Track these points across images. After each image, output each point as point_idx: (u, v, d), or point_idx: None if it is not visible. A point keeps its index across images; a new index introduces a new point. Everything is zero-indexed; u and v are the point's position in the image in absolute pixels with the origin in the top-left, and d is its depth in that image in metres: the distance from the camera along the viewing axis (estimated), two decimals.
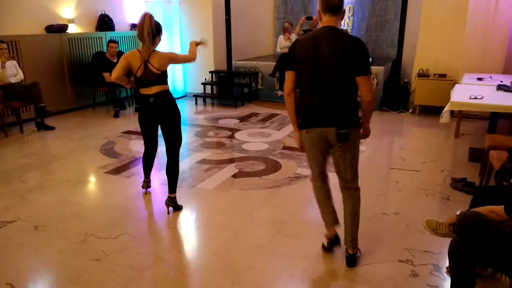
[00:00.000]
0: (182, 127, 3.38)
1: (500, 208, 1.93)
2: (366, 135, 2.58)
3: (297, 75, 2.40)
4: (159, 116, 3.23)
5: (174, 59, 3.37)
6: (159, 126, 3.34)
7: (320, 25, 2.38)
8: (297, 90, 2.45)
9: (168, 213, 3.30)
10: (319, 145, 2.44)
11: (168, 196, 3.31)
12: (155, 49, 3.16)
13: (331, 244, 2.72)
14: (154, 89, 3.15)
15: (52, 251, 2.77)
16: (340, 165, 2.49)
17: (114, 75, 3.14)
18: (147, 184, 3.66)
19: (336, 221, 2.69)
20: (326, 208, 2.69)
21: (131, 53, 3.15)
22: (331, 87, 2.30)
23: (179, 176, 3.41)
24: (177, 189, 3.38)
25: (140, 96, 3.21)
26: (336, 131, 2.33)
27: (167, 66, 3.19)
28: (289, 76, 2.43)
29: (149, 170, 3.64)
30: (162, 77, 3.17)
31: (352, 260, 2.56)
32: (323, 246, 2.74)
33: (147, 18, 3.08)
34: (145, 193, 3.67)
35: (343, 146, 2.39)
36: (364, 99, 2.36)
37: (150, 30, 3.05)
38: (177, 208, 3.35)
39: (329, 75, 2.29)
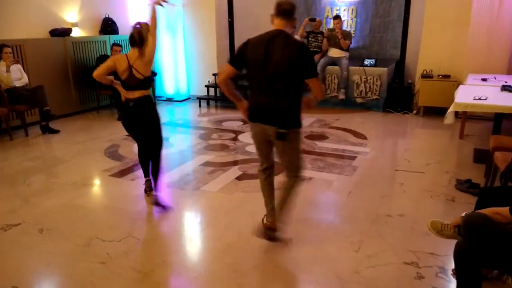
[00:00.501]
0: (185, 129, 3.41)
1: (505, 210, 1.92)
2: (310, 103, 2.73)
3: (247, 75, 2.60)
4: (138, 120, 3.38)
5: (152, 52, 3.31)
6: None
7: (272, 27, 2.57)
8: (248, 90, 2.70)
9: (164, 209, 3.41)
10: (262, 138, 2.68)
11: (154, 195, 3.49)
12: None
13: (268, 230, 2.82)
14: (136, 94, 3.30)
15: (57, 254, 2.78)
16: (282, 159, 2.72)
17: (96, 72, 3.30)
18: (148, 184, 3.59)
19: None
20: (267, 200, 2.85)
21: (119, 56, 3.31)
22: (278, 89, 2.49)
23: (183, 178, 3.42)
24: (181, 192, 3.40)
25: (124, 100, 3.38)
26: (276, 130, 2.51)
27: (150, 70, 3.36)
28: (228, 69, 2.64)
29: (147, 167, 3.58)
30: (145, 82, 3.31)
31: (268, 233, 2.76)
32: (262, 221, 2.87)
33: (145, 26, 3.28)
34: (147, 195, 3.60)
35: (283, 144, 2.58)
36: (318, 98, 2.66)
37: (139, 36, 3.22)
38: (151, 189, 3.54)
39: (277, 77, 2.47)
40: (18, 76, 5.63)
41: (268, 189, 2.84)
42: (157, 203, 3.42)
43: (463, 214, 2.06)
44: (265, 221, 2.84)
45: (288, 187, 2.75)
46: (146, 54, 3.26)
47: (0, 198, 3.71)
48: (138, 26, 3.26)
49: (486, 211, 1.99)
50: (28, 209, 3.46)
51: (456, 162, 4.50)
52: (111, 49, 6.66)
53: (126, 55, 3.27)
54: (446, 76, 6.36)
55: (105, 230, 3.08)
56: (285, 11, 2.54)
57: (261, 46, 2.49)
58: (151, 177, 3.52)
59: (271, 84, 2.49)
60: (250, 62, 2.55)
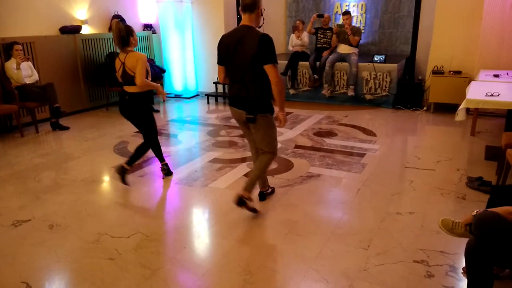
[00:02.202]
0: (194, 125, 3.53)
1: None
2: (279, 121, 3.04)
3: (225, 67, 2.98)
4: (128, 112, 3.68)
5: (140, 63, 3.46)
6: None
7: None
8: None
9: (163, 177, 3.97)
10: (238, 119, 3.12)
11: (162, 165, 4.00)
12: (133, 50, 3.55)
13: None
14: (131, 89, 3.55)
15: (66, 250, 2.80)
16: (255, 138, 3.13)
17: (142, 79, 3.54)
18: (165, 167, 4.00)
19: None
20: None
21: (116, 61, 3.60)
22: (247, 80, 2.85)
23: (191, 175, 3.44)
24: (189, 188, 3.41)
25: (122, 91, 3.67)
26: (246, 114, 2.92)
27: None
28: (220, 69, 3.05)
29: (159, 154, 3.96)
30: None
31: (240, 200, 3.05)
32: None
33: (114, 25, 3.46)
34: (164, 178, 3.97)
35: (254, 126, 2.98)
36: (271, 83, 2.83)
37: (118, 34, 3.43)
38: (170, 173, 4.03)
39: (245, 70, 2.83)
40: (28, 73, 5.69)
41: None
42: (167, 171, 4.00)
43: (474, 212, 2.03)
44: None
45: (259, 161, 3.15)
46: (138, 60, 3.47)
47: (11, 194, 3.75)
48: (112, 29, 3.52)
49: (498, 210, 1.96)
50: (38, 205, 3.49)
51: (467, 159, 4.44)
52: None
53: (118, 57, 3.56)
54: (458, 72, 6.27)
55: (114, 226, 3.09)
56: (246, 6, 2.82)
57: (229, 43, 2.87)
58: (153, 151, 3.93)
59: (240, 76, 2.87)
60: (223, 57, 2.95)
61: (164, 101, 7.02)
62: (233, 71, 2.92)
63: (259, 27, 2.96)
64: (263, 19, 2.98)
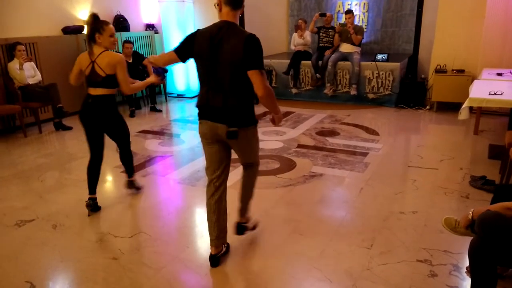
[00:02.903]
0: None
1: None
2: (274, 122, 2.65)
3: (197, 69, 2.41)
4: (96, 120, 3.17)
5: (119, 68, 3.06)
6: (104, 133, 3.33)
7: (219, 18, 2.36)
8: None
9: (136, 190, 3.66)
10: (211, 138, 2.48)
11: (128, 181, 3.65)
12: (111, 50, 3.10)
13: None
14: (96, 91, 3.09)
15: (70, 249, 2.81)
16: (238, 155, 2.64)
17: (71, 80, 3.25)
18: (92, 203, 3.31)
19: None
20: (212, 225, 2.63)
21: (81, 55, 3.15)
22: (228, 86, 2.30)
23: (194, 174, 3.42)
24: (192, 188, 3.38)
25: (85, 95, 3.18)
26: (226, 129, 2.35)
27: (114, 71, 3.05)
28: (170, 56, 2.54)
29: (94, 183, 3.35)
30: (107, 81, 3.06)
31: (240, 228, 2.80)
32: None
33: (87, 18, 3.06)
34: (88, 215, 3.29)
35: (236, 143, 2.45)
36: (258, 94, 2.30)
37: (88, 29, 3.03)
38: (138, 190, 3.69)
39: (226, 74, 2.28)
40: (31, 74, 5.70)
41: (215, 210, 2.58)
42: (131, 186, 3.66)
43: (470, 213, 2.03)
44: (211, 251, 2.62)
45: (246, 179, 2.74)
46: (118, 64, 3.05)
47: (15, 194, 3.76)
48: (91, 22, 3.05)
49: (495, 206, 1.96)
50: (41, 205, 3.50)
51: (471, 158, 4.43)
52: (123, 46, 6.69)
53: (87, 52, 3.09)
54: (461, 71, 6.25)
55: (117, 226, 3.10)
56: (235, 1, 2.31)
57: (207, 40, 2.29)
58: (123, 164, 3.61)
59: (218, 81, 2.32)
60: (196, 56, 2.37)
61: (161, 84, 6.72)
62: (209, 75, 2.33)
63: None
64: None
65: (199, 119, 2.48)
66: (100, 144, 3.32)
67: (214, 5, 2.36)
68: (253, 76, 2.26)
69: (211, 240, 2.60)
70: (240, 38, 2.24)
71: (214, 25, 2.33)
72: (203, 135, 2.51)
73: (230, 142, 2.45)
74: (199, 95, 2.44)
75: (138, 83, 3.29)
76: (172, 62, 2.59)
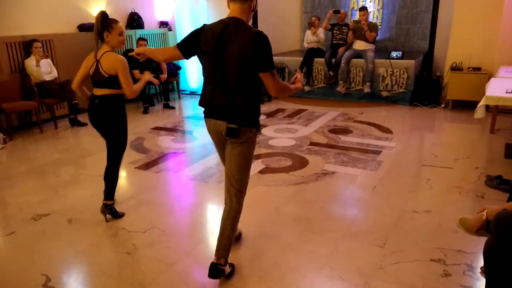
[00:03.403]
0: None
1: None
2: (298, 80, 2.48)
3: (202, 66, 2.33)
4: (100, 119, 3.07)
5: (121, 70, 2.94)
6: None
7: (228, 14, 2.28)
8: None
9: (107, 221, 3.14)
10: (215, 136, 2.42)
11: (104, 203, 3.13)
12: (113, 50, 3.03)
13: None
14: (102, 91, 2.99)
15: (84, 243, 2.86)
16: (228, 163, 2.37)
17: (73, 85, 3.14)
18: (108, 209, 3.14)
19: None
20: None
21: (87, 57, 3.06)
22: (234, 85, 2.21)
23: (207, 171, 3.40)
24: (204, 184, 3.37)
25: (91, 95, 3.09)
26: (227, 125, 2.26)
27: (115, 73, 2.95)
28: (172, 52, 2.40)
29: (112, 186, 3.18)
30: (111, 81, 2.97)
31: (215, 271, 2.35)
32: None
33: (96, 16, 2.96)
34: (107, 221, 3.16)
35: (233, 143, 2.30)
36: (271, 95, 2.38)
37: (95, 28, 2.94)
38: (116, 215, 3.18)
39: (232, 72, 2.20)
40: (47, 70, 5.79)
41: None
42: (112, 212, 3.17)
43: (484, 213, 1.98)
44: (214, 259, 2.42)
45: (228, 214, 2.44)
46: (119, 65, 2.94)
47: (31, 189, 3.83)
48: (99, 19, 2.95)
49: (507, 206, 1.92)
50: (57, 200, 3.56)
51: (486, 157, 4.36)
52: (137, 43, 6.74)
53: (94, 52, 3.00)
54: (477, 69, 6.15)
55: (131, 221, 3.14)
56: None
57: (213, 37, 2.21)
58: (104, 181, 3.18)
59: (224, 79, 2.23)
60: (201, 53, 2.29)
61: (157, 84, 6.63)
62: (214, 73, 2.25)
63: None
64: (252, 14, 2.37)
65: (205, 117, 2.41)
66: (125, 137, 3.22)
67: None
68: (265, 78, 2.21)
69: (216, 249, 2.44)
70: (248, 36, 2.14)
71: (221, 21, 2.25)
72: (209, 132, 2.47)
73: (227, 143, 2.35)
74: (203, 93, 2.36)
75: (137, 84, 3.12)
76: (175, 58, 2.47)
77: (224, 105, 2.25)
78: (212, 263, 2.37)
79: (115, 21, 2.98)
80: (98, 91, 3.01)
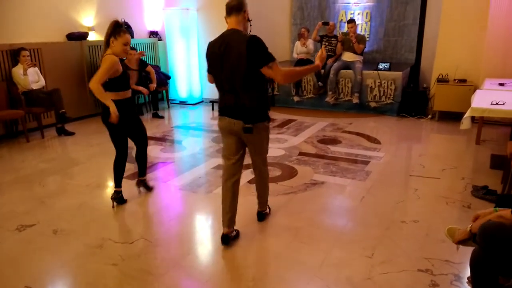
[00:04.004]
0: (198, 132, 3.43)
1: (507, 212, 1.88)
2: (322, 53, 2.87)
3: (213, 76, 2.74)
4: (103, 120, 3.32)
5: (102, 63, 3.14)
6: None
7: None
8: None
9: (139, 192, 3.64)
10: (227, 131, 2.78)
11: (139, 179, 3.72)
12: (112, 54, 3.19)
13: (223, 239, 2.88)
14: (109, 95, 3.19)
15: (70, 255, 2.81)
16: (249, 149, 2.89)
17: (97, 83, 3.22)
18: (117, 196, 3.54)
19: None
20: (227, 207, 2.89)
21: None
22: (239, 88, 2.58)
23: (196, 181, 3.42)
24: (193, 194, 3.39)
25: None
26: (242, 126, 2.64)
27: (112, 76, 3.15)
28: (209, 78, 2.84)
29: (120, 177, 3.55)
30: (109, 85, 3.17)
31: (260, 215, 3.17)
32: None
33: (110, 23, 3.23)
34: (113, 207, 3.51)
35: (252, 137, 2.72)
36: (281, 81, 2.68)
37: (106, 33, 3.18)
38: (148, 188, 3.74)
39: (235, 77, 2.56)
40: (35, 79, 5.74)
41: (231, 192, 2.86)
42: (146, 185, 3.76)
43: (469, 227, 2.00)
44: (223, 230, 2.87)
45: (263, 177, 3.06)
46: (102, 65, 3.14)
47: (16, 199, 3.77)
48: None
49: (490, 217, 1.95)
50: (43, 210, 3.50)
51: (473, 168, 4.42)
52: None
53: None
54: (463, 81, 6.26)
55: (118, 232, 3.10)
56: (233, 8, 2.59)
57: (217, 49, 2.59)
58: (137, 162, 3.72)
59: (231, 84, 2.60)
60: (210, 65, 2.72)
61: (147, 93, 6.67)
62: (222, 80, 2.64)
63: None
64: (250, 26, 2.73)
65: (219, 115, 2.78)
66: (122, 143, 3.46)
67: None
68: (266, 71, 2.53)
69: (223, 220, 2.85)
70: (242, 41, 2.49)
71: (222, 35, 2.62)
72: (221, 128, 2.82)
73: (244, 136, 2.71)
74: (219, 98, 2.79)
75: (102, 93, 3.13)
76: (213, 82, 2.82)
77: (235, 107, 2.63)
78: (258, 211, 3.17)
79: (124, 31, 3.20)
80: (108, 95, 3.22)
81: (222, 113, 2.75)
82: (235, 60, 2.51)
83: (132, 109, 3.48)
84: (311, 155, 4.83)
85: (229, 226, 2.85)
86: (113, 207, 3.48)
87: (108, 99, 3.15)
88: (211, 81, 2.85)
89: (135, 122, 3.51)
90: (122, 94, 3.25)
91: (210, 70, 2.77)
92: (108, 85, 3.16)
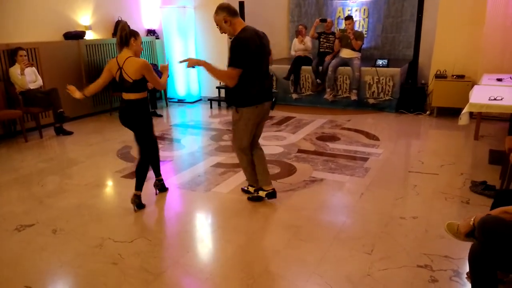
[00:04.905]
0: (197, 130, 3.44)
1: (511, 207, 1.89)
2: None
3: (252, 66, 3.05)
4: (127, 120, 3.36)
5: (146, 71, 3.23)
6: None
7: (236, 27, 3.10)
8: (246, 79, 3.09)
9: (135, 210, 3.43)
10: (260, 117, 3.25)
11: (134, 194, 3.45)
12: (133, 56, 3.25)
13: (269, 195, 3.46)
14: (128, 96, 3.28)
15: (69, 254, 2.81)
16: (260, 130, 3.41)
17: (89, 90, 3.46)
18: (158, 183, 3.77)
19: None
20: (252, 172, 3.47)
21: (110, 63, 3.30)
22: (267, 71, 3.26)
23: (194, 179, 3.42)
24: (192, 193, 3.40)
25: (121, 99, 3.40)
26: (271, 102, 3.27)
27: (140, 76, 3.21)
28: (238, 73, 3.05)
29: (142, 180, 3.47)
30: (136, 86, 3.24)
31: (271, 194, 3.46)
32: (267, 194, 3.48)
33: (119, 26, 3.30)
34: (157, 194, 3.74)
35: (267, 114, 3.36)
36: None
37: (120, 33, 3.23)
38: (141, 206, 3.47)
39: (266, 62, 3.22)
40: (32, 79, 5.72)
41: (262, 155, 3.44)
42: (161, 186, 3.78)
43: (472, 220, 2.01)
44: (266, 188, 3.45)
45: (262, 158, 3.43)
46: (142, 66, 3.21)
47: (15, 199, 3.76)
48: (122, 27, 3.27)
49: (495, 211, 1.95)
50: (42, 210, 3.50)
51: (471, 163, 4.43)
52: None
53: (116, 58, 3.26)
54: (461, 76, 6.26)
55: (117, 231, 3.10)
56: (236, 11, 3.17)
57: (258, 41, 3.07)
58: (135, 174, 3.55)
59: (266, 69, 3.23)
60: (254, 55, 3.03)
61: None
62: (262, 65, 3.15)
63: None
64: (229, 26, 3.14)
65: (257, 104, 3.16)
66: (152, 142, 3.55)
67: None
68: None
69: (267, 180, 3.44)
70: (262, 35, 3.16)
71: (251, 29, 3.13)
72: (257, 115, 3.21)
73: (267, 115, 3.38)
74: (253, 85, 3.14)
75: (162, 78, 3.51)
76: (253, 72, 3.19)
77: (270, 88, 3.42)
78: (273, 190, 3.46)
79: (138, 33, 3.36)
80: (125, 96, 3.30)
81: (261, 99, 3.16)
82: (267, 49, 3.18)
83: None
84: (310, 152, 4.83)
85: (271, 183, 3.48)
86: (135, 211, 3.42)
87: (164, 74, 3.57)
88: (238, 78, 3.05)
89: (146, 124, 3.51)
90: (144, 94, 3.36)
91: (246, 65, 3.01)
92: (136, 86, 3.25)
